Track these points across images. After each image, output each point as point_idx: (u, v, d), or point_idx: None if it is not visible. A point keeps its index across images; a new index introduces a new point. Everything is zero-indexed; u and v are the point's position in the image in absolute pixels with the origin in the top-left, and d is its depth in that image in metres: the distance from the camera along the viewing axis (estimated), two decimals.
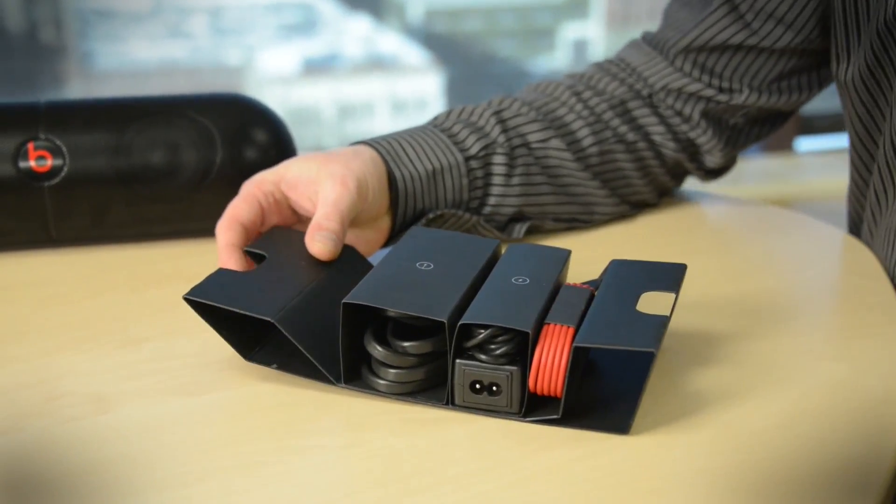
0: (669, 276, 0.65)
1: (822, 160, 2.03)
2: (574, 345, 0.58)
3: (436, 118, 0.85)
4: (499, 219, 0.83)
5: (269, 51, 2.84)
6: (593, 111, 0.88)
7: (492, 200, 0.82)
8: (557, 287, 0.65)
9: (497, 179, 0.82)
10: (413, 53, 2.94)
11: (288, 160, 0.76)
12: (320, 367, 0.62)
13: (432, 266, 0.65)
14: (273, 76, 2.85)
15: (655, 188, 0.92)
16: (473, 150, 0.82)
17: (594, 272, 0.69)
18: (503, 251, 0.69)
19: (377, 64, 2.92)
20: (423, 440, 0.59)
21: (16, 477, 0.56)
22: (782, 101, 0.88)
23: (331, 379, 0.62)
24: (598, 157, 0.87)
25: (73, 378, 0.66)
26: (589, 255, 0.76)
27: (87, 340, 0.71)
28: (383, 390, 0.62)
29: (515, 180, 0.83)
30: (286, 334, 0.61)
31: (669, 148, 0.89)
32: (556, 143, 0.85)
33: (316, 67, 2.86)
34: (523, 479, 0.55)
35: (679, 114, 0.89)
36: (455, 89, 2.91)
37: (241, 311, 0.62)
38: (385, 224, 0.78)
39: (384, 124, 2.91)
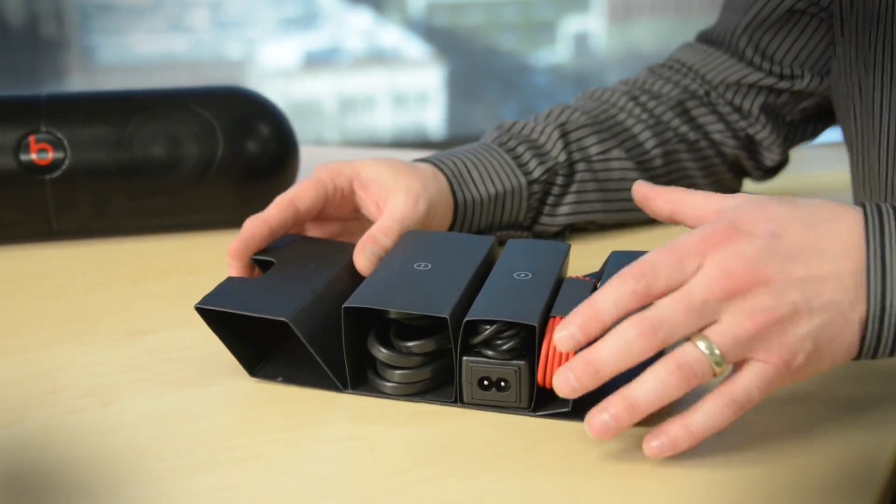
0: None
1: (822, 153, 2.03)
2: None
3: (499, 135, 0.83)
4: (547, 231, 0.83)
5: (271, 44, 2.84)
6: (652, 114, 0.87)
7: (544, 219, 0.83)
8: (559, 281, 0.65)
9: (551, 199, 0.82)
10: (414, 47, 2.94)
11: (363, 159, 0.75)
12: (328, 371, 0.62)
13: (430, 266, 0.65)
14: (274, 69, 2.85)
15: (720, 188, 0.91)
16: (536, 174, 0.81)
17: (594, 265, 0.69)
18: (502, 247, 0.70)
19: (378, 57, 2.92)
20: (424, 432, 0.59)
21: (18, 469, 0.56)
22: None
23: (338, 385, 0.62)
24: (662, 159, 0.87)
25: (74, 370, 0.66)
26: (588, 248, 0.76)
27: (89, 333, 0.71)
28: (390, 392, 0.62)
29: (569, 198, 0.83)
30: (298, 335, 0.61)
31: (729, 145, 0.89)
32: (616, 153, 0.85)
33: (317, 61, 2.86)
34: (526, 471, 0.55)
35: (738, 109, 0.89)
36: (456, 82, 2.91)
37: (254, 315, 0.62)
38: None
39: (385, 117, 2.91)
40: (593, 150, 0.84)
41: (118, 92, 0.88)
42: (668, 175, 0.88)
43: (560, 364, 0.58)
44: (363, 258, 0.68)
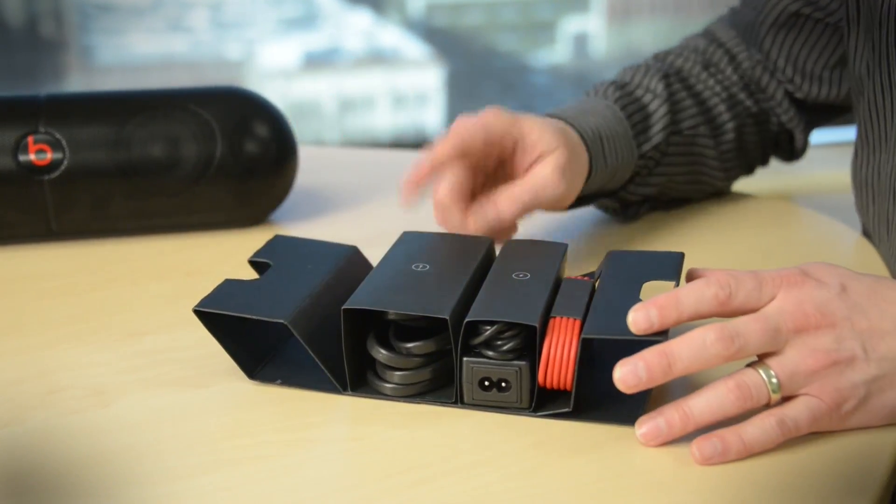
0: (668, 265, 0.65)
1: (823, 153, 2.02)
2: (582, 336, 0.58)
3: (620, 96, 0.83)
4: (628, 199, 0.85)
5: (270, 45, 2.84)
6: (724, 86, 0.89)
7: (631, 188, 0.84)
8: (558, 281, 0.65)
9: (644, 171, 0.84)
10: (414, 47, 2.93)
11: (528, 118, 0.73)
12: (327, 373, 0.61)
13: (428, 267, 0.65)
14: (273, 70, 2.85)
15: (763, 162, 0.95)
16: (644, 149, 0.83)
17: (591, 265, 0.69)
18: (499, 248, 0.69)
19: (378, 58, 2.92)
20: (424, 433, 0.59)
21: (17, 469, 0.56)
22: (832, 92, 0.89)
23: (337, 387, 0.62)
24: (733, 133, 0.89)
25: (74, 371, 0.66)
26: (585, 248, 0.76)
27: (88, 333, 0.71)
28: (389, 393, 0.62)
29: (659, 170, 0.85)
30: (297, 337, 0.61)
31: (775, 123, 0.91)
32: (703, 129, 0.87)
33: (316, 61, 2.86)
34: (526, 471, 0.55)
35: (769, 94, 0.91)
36: (456, 83, 2.91)
37: (253, 317, 0.62)
38: None
39: (385, 117, 2.91)
40: (685, 125, 0.86)
41: (117, 92, 0.88)
42: (737, 150, 0.90)
43: (562, 365, 0.58)
44: (477, 219, 0.68)
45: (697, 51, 0.92)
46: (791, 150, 0.94)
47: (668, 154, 0.84)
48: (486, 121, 0.72)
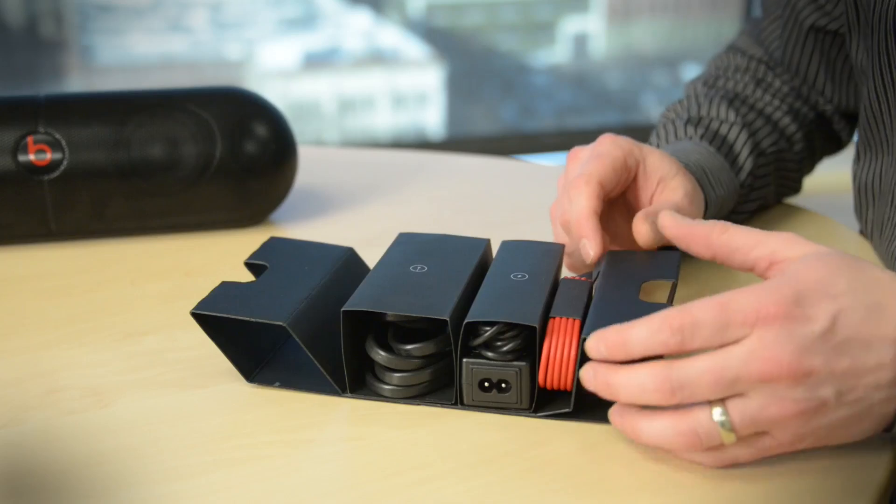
0: (666, 264, 0.65)
1: None
2: (583, 337, 0.58)
3: (703, 133, 0.83)
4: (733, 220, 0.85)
5: (270, 45, 2.84)
6: (784, 100, 0.90)
7: (733, 217, 0.84)
8: (556, 281, 0.65)
9: (743, 198, 0.84)
10: (413, 47, 2.93)
11: (644, 145, 0.71)
12: (326, 376, 0.61)
13: (426, 268, 0.65)
14: (273, 70, 2.85)
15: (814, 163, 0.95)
16: (741, 177, 0.82)
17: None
18: (496, 249, 0.69)
19: (377, 58, 2.92)
20: (423, 433, 0.59)
21: (16, 469, 0.56)
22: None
23: (336, 389, 0.62)
24: (803, 143, 0.89)
25: (73, 371, 0.66)
26: None
27: (87, 333, 0.71)
28: (389, 395, 0.62)
29: (754, 195, 0.85)
30: (296, 339, 0.61)
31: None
32: (782, 144, 0.87)
33: (316, 61, 2.86)
34: (525, 471, 0.55)
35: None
36: (456, 83, 2.91)
37: (251, 319, 0.62)
38: None
39: (385, 118, 2.91)
40: (765, 145, 0.86)
41: (116, 93, 0.88)
42: (809, 157, 0.91)
43: (562, 365, 0.58)
44: (647, 228, 0.65)
45: (740, 70, 0.92)
46: (839, 142, 0.95)
47: (759, 176, 0.85)
48: (607, 150, 0.68)
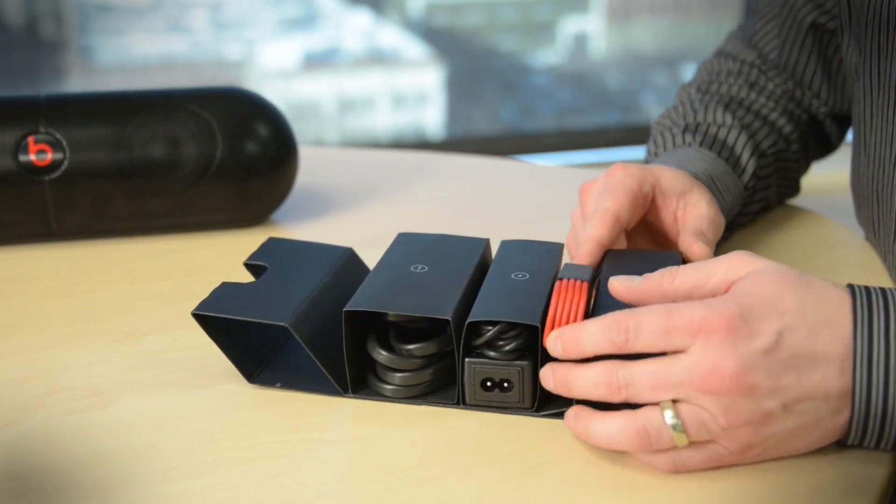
0: (667, 264, 0.65)
1: None
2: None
3: (702, 139, 0.83)
4: (736, 223, 0.85)
5: (270, 45, 2.84)
6: (778, 101, 0.90)
7: (739, 218, 0.85)
8: (555, 280, 0.65)
9: (748, 200, 0.85)
10: (413, 47, 2.93)
11: (657, 166, 0.72)
12: (328, 376, 0.61)
13: (427, 268, 0.65)
14: (273, 70, 2.85)
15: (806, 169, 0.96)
16: (745, 180, 0.83)
17: None
18: (495, 248, 0.69)
19: (377, 58, 2.92)
20: (425, 432, 0.59)
21: (17, 469, 0.56)
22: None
23: (338, 389, 0.62)
24: (798, 143, 0.90)
25: (73, 371, 0.66)
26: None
27: (88, 333, 0.71)
28: (391, 395, 0.62)
29: (757, 196, 0.85)
30: (298, 339, 0.61)
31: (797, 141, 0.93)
32: (781, 144, 0.88)
33: (316, 61, 2.86)
34: (527, 471, 0.55)
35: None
36: (456, 83, 2.91)
37: (252, 320, 0.62)
38: None
39: (385, 118, 2.91)
40: (765, 146, 0.86)
41: (117, 93, 0.88)
42: (804, 157, 0.92)
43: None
44: (701, 246, 0.67)
45: (733, 73, 0.93)
46: (829, 145, 0.96)
47: (762, 178, 0.85)
48: (620, 181, 0.69)
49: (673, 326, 0.52)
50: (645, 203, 0.70)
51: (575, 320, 0.58)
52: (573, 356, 0.55)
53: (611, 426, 0.54)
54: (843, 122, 0.93)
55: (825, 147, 0.95)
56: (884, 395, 0.52)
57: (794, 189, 0.93)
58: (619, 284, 0.58)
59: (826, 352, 0.52)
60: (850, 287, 0.54)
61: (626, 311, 0.54)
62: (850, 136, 0.92)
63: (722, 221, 0.72)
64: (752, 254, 0.56)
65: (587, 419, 0.55)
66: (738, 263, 0.55)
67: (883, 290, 0.54)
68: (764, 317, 0.52)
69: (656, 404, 0.53)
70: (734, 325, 0.52)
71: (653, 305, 0.54)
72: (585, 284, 0.59)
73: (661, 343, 0.53)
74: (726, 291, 0.55)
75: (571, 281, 0.60)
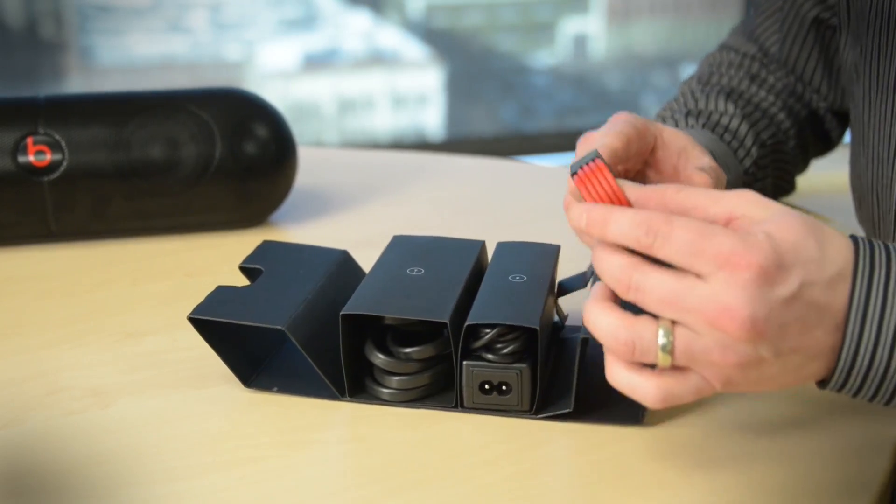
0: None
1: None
2: (582, 337, 0.58)
3: (705, 122, 0.83)
4: None
5: (269, 46, 2.85)
6: (778, 95, 0.90)
7: None
8: (553, 282, 0.65)
9: (746, 188, 0.84)
10: (413, 48, 2.94)
11: (651, 122, 0.69)
12: (325, 380, 0.61)
13: (423, 271, 0.65)
14: (273, 71, 2.85)
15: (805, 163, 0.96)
16: (746, 164, 0.83)
17: (583, 265, 0.69)
18: (491, 251, 0.69)
19: (377, 59, 2.92)
20: (422, 434, 0.59)
21: (17, 469, 0.56)
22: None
23: (335, 393, 0.62)
24: (795, 140, 0.90)
25: (73, 371, 0.66)
26: (576, 249, 0.75)
27: (88, 334, 0.71)
28: (388, 399, 0.61)
29: (757, 185, 0.85)
30: (295, 343, 0.61)
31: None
32: (780, 137, 0.88)
33: (316, 62, 2.86)
34: (526, 472, 0.55)
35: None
36: (456, 84, 2.91)
37: (249, 324, 0.61)
38: None
39: (384, 119, 2.91)
40: (764, 137, 0.86)
41: (116, 93, 0.88)
42: (802, 153, 0.92)
43: (608, 196, 0.54)
44: (703, 176, 0.66)
45: (734, 66, 0.93)
46: (829, 142, 0.96)
47: (761, 167, 0.85)
48: (626, 118, 0.67)
49: (702, 249, 0.50)
50: (647, 149, 0.68)
51: (612, 198, 0.54)
52: (593, 236, 0.53)
53: (604, 320, 0.52)
54: (844, 118, 0.93)
55: (825, 143, 0.95)
56: (872, 351, 0.51)
57: (790, 185, 0.93)
58: (625, 185, 0.56)
59: (834, 305, 0.51)
60: (854, 239, 0.53)
61: (663, 215, 0.51)
62: (848, 135, 0.92)
63: (723, 174, 0.70)
64: (759, 195, 0.54)
65: (586, 311, 0.53)
66: (748, 200, 0.53)
67: (887, 246, 0.53)
68: (791, 266, 0.50)
69: (654, 320, 0.51)
70: (766, 269, 0.49)
71: (691, 219, 0.51)
72: (599, 162, 0.54)
73: (685, 260, 0.50)
74: (725, 225, 0.53)
75: (586, 167, 0.54)
